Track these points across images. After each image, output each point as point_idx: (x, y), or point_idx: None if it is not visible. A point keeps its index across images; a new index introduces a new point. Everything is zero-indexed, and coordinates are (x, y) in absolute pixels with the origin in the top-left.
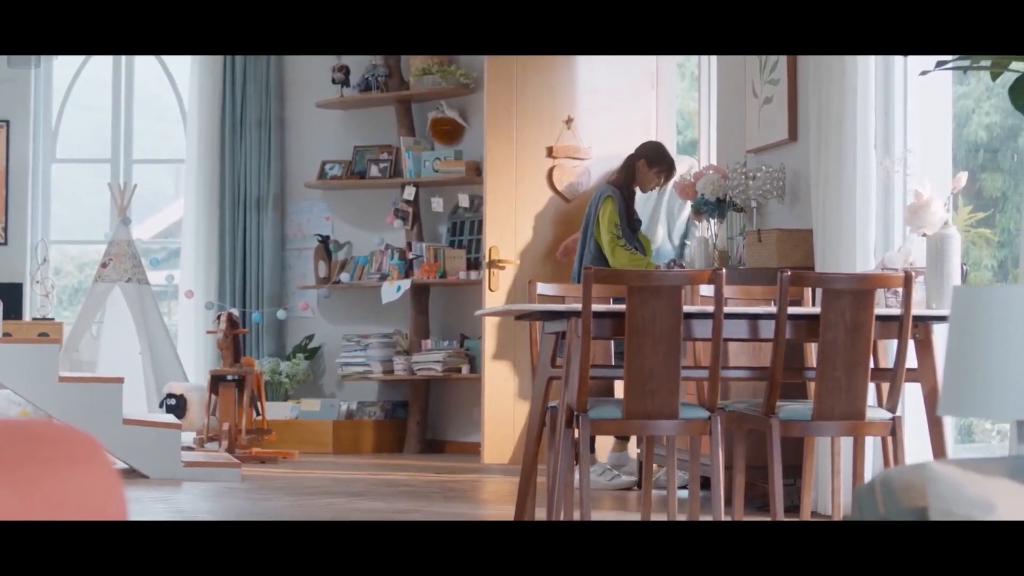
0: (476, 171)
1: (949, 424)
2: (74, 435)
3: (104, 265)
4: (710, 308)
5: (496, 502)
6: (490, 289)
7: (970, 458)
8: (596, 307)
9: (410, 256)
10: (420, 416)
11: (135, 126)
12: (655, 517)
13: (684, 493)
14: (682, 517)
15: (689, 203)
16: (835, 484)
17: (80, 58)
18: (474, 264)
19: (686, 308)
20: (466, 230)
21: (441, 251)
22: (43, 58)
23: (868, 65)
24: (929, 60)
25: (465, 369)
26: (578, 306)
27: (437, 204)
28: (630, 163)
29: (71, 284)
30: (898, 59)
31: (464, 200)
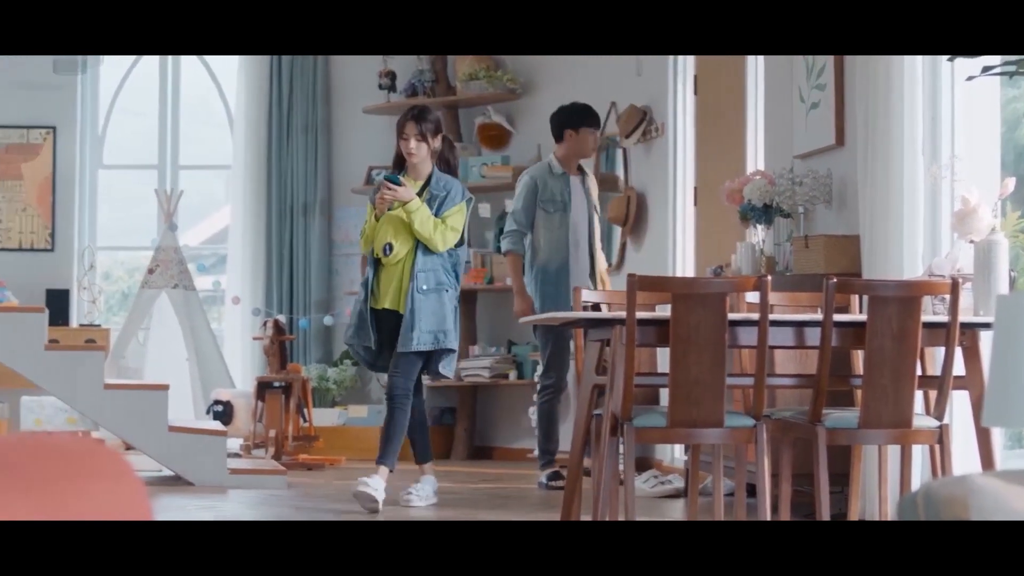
0: None
1: (998, 431)
2: (101, 450)
3: (151, 271)
4: (755, 316)
5: (543, 509)
6: None
7: (1014, 470)
8: (641, 314)
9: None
10: (468, 422)
11: (182, 132)
12: None
13: (730, 500)
14: None
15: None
16: (882, 492)
17: (126, 64)
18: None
19: (731, 316)
20: None
21: (488, 257)
22: (89, 64)
23: (915, 70)
24: (976, 64)
25: (512, 375)
26: (622, 314)
27: (484, 210)
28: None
29: (121, 289)
30: (945, 64)
31: (511, 206)
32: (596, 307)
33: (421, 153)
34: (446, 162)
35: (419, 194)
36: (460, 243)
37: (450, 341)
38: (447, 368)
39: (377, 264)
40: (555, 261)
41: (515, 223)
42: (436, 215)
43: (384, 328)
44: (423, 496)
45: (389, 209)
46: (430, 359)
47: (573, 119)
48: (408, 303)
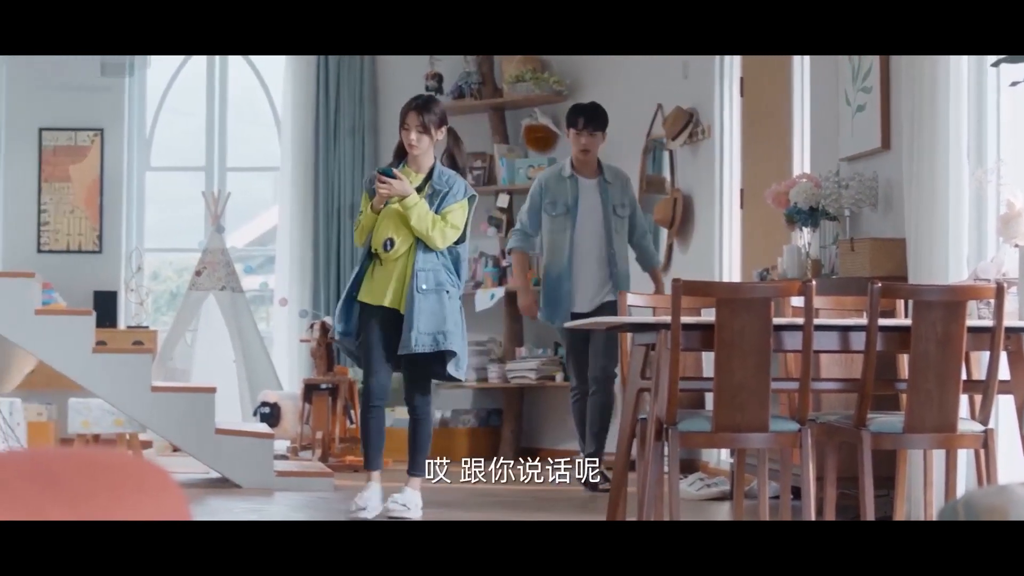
0: None
1: None
2: (143, 465)
3: (198, 273)
4: (800, 320)
5: (588, 511)
6: None
7: None
8: (685, 319)
9: (504, 264)
10: (514, 424)
11: (229, 134)
12: None
13: (776, 503)
14: None
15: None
16: (927, 497)
17: (173, 67)
18: None
19: (776, 320)
20: None
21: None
22: (136, 67)
23: (961, 74)
24: (1020, 70)
25: (559, 377)
26: (667, 318)
27: None
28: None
29: (169, 288)
30: (991, 68)
31: None
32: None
33: (422, 145)
34: (451, 157)
35: (420, 188)
36: (461, 240)
37: (451, 343)
38: (457, 370)
39: (371, 258)
40: (556, 265)
41: (520, 223)
42: (437, 211)
43: (383, 325)
44: (412, 505)
45: (388, 203)
46: (436, 362)
47: (566, 119)
48: (408, 303)
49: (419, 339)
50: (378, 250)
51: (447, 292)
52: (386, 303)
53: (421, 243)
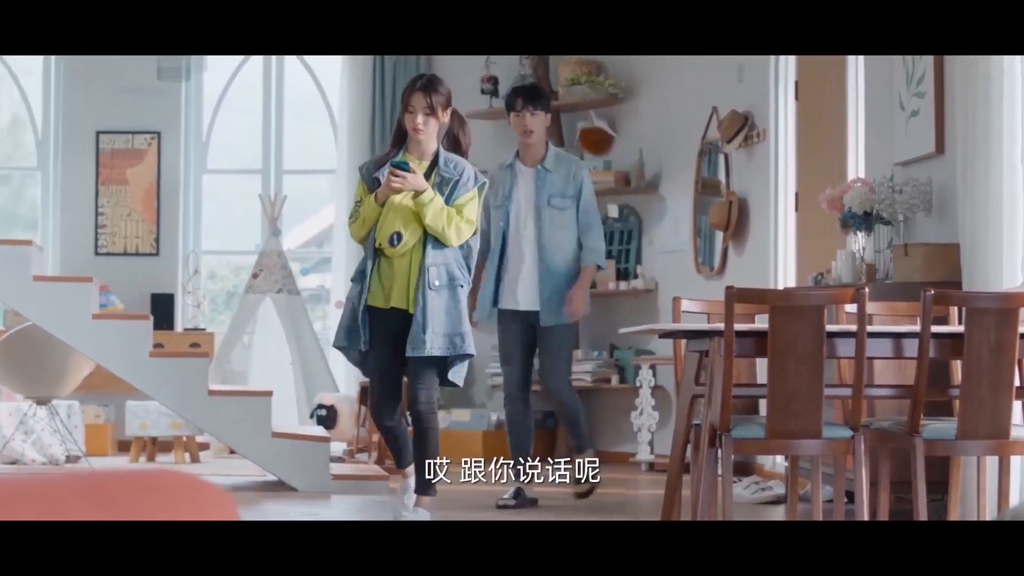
0: (625, 181)
1: None
2: (200, 485)
3: (255, 276)
4: (853, 327)
5: (642, 516)
6: None
7: None
8: (739, 326)
9: None
10: None
11: (285, 136)
12: None
13: (830, 507)
14: None
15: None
16: (980, 502)
17: (230, 70)
18: (624, 275)
19: (829, 327)
20: (615, 240)
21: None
22: (193, 70)
23: (1015, 78)
24: None
25: (615, 380)
26: (720, 326)
27: None
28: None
29: (226, 287)
30: None
31: (613, 210)
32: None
33: (429, 129)
34: (455, 140)
35: (426, 176)
36: (473, 232)
37: (468, 346)
38: (457, 375)
39: (376, 255)
40: (491, 261)
41: None
42: (448, 201)
43: (391, 329)
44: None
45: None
46: (438, 364)
47: (505, 103)
48: (419, 301)
49: (434, 341)
50: (383, 245)
51: (460, 288)
52: (394, 303)
53: (430, 235)
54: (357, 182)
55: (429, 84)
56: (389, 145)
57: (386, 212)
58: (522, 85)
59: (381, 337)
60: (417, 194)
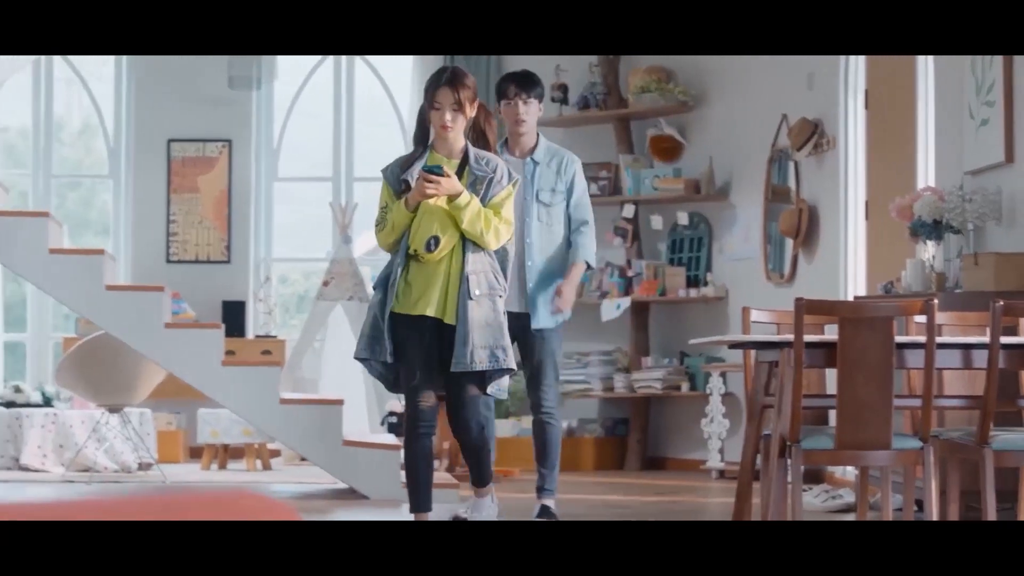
0: (695, 189)
1: None
2: (270, 505)
3: (326, 284)
4: (922, 339)
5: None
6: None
7: None
8: (808, 337)
9: (630, 274)
10: (641, 433)
11: (355, 144)
12: None
13: (899, 516)
14: None
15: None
16: None
17: (300, 78)
18: (693, 282)
19: (899, 338)
20: (685, 247)
21: (661, 269)
22: (264, 79)
23: None
24: None
25: (685, 387)
26: (790, 336)
27: (656, 222)
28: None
29: (296, 292)
30: None
31: (683, 218)
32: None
33: (457, 126)
34: (481, 134)
35: (457, 174)
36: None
37: (510, 360)
38: (499, 389)
39: (407, 260)
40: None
41: None
42: (483, 201)
43: (423, 339)
44: (489, 514)
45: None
46: (480, 377)
47: (496, 92)
48: (459, 312)
49: (477, 355)
50: (418, 250)
51: (500, 297)
52: (429, 312)
53: (469, 241)
54: (381, 186)
55: (455, 78)
56: (412, 143)
57: (420, 216)
58: (515, 71)
59: (416, 346)
60: (452, 197)
